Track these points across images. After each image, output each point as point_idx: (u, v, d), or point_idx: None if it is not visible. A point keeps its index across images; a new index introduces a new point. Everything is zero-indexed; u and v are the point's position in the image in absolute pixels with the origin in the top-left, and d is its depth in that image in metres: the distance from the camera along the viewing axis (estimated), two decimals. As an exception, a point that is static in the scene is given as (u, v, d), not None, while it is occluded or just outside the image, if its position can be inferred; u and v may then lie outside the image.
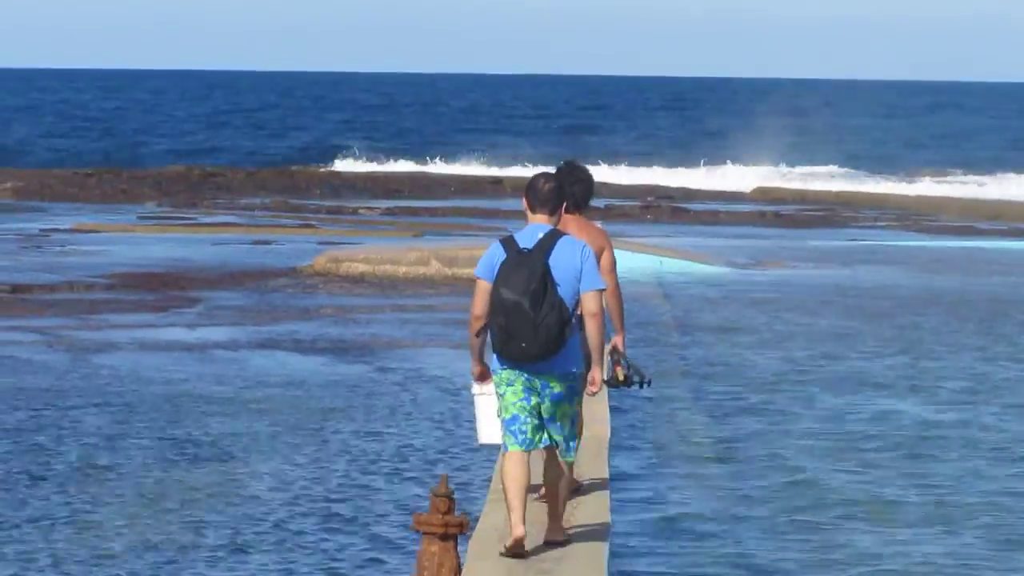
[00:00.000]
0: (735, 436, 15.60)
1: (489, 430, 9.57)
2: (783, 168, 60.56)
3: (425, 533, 9.76)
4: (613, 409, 14.68)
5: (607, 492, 11.32)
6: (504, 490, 9.06)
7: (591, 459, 11.67)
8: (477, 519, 10.24)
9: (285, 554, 11.63)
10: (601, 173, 43.10)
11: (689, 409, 17.05)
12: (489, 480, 11.54)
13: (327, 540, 11.88)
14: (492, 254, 8.66)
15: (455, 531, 9.66)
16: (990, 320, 23.79)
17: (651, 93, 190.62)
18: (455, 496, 9.78)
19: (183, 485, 13.64)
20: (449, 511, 9.68)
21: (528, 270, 8.42)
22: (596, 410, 13.05)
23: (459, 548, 9.72)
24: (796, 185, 54.50)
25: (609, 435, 13.24)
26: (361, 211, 43.03)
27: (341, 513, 12.69)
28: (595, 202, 12.43)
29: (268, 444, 15.07)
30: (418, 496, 12.63)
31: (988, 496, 13.15)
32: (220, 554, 11.52)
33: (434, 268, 27.23)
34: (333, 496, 13.22)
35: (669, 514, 12.73)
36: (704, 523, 12.50)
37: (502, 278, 8.51)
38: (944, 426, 15.92)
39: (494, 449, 11.52)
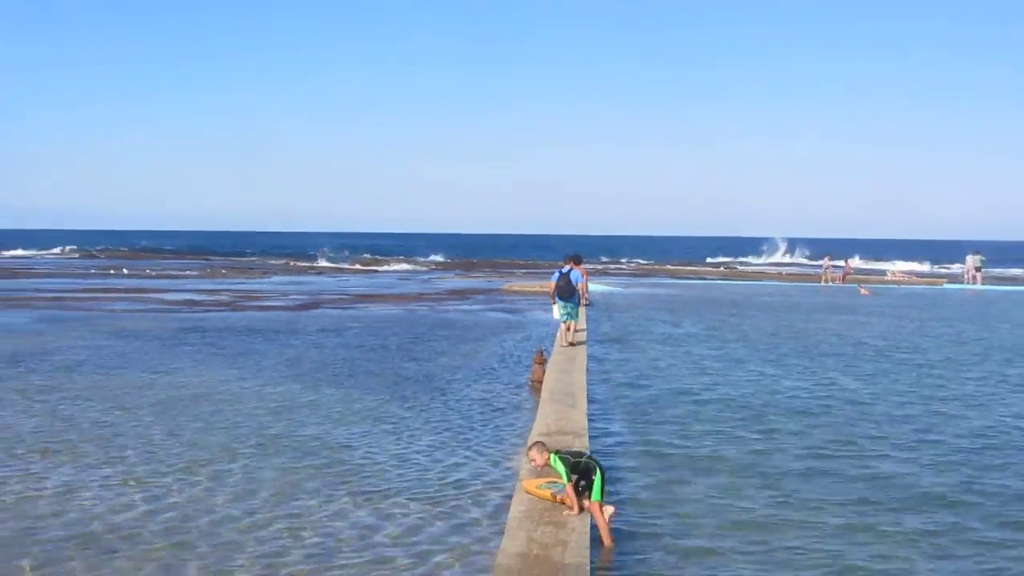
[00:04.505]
0: (626, 339, 18.85)
1: (557, 317, 14.11)
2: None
3: (536, 362, 13.76)
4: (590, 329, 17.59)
5: (585, 345, 15.49)
6: (561, 334, 13.88)
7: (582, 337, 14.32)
8: (549, 358, 13.67)
9: (487, 372, 15.08)
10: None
11: (608, 331, 20.82)
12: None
13: (502, 368, 15.33)
14: (555, 275, 14.41)
15: (544, 360, 13.59)
16: (716, 305, 28.16)
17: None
18: (543, 351, 13.46)
19: (454, 352, 17.14)
20: (541, 356, 13.89)
21: (569, 279, 14.05)
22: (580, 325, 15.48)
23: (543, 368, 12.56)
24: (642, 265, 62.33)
25: (586, 332, 16.48)
26: (517, 272, 53.68)
27: (506, 359, 16.34)
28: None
29: (483, 338, 18.45)
30: (530, 352, 16.31)
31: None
32: (460, 374, 14.82)
33: (538, 288, 34.09)
34: (504, 356, 16.57)
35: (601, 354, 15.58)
36: (617, 355, 15.80)
37: (562, 282, 14.32)
38: (705, 337, 19.19)
39: (556, 323, 15.91)
